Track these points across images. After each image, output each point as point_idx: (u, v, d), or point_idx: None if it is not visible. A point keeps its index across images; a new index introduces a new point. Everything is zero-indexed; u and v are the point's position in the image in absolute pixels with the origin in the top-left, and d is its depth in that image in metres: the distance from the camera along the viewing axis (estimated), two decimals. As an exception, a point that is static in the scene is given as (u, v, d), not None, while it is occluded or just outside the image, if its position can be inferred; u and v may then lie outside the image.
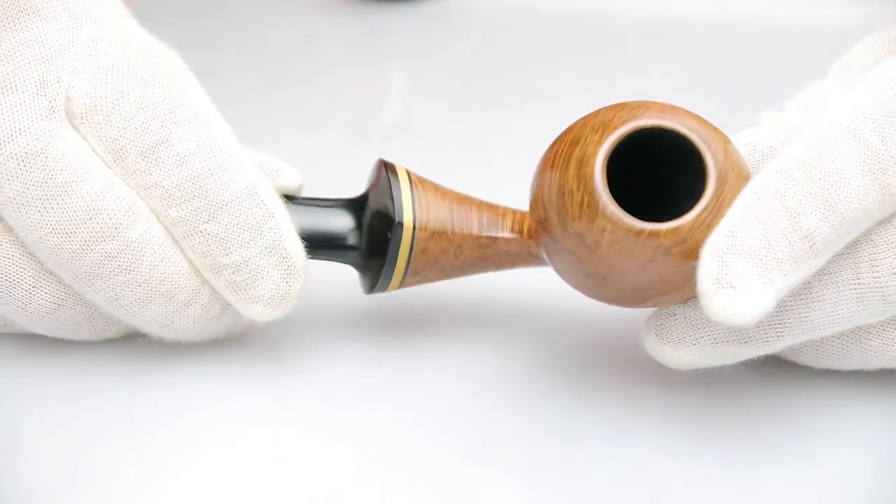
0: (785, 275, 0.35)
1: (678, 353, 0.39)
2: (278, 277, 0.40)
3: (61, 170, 0.39)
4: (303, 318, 0.43)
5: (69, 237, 0.39)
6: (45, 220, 0.39)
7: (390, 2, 0.72)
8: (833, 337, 0.39)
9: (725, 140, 0.38)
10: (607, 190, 0.37)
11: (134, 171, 0.40)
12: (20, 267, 0.40)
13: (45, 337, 0.43)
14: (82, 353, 0.43)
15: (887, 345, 0.39)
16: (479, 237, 0.41)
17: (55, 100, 0.40)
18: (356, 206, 0.42)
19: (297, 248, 0.41)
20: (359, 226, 0.42)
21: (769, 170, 0.36)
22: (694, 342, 0.38)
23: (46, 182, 0.39)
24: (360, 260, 0.42)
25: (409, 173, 0.42)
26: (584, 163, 0.37)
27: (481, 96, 0.62)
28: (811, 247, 0.36)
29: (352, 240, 0.42)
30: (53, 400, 0.42)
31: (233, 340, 0.44)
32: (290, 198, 0.42)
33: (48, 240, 0.39)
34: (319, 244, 0.42)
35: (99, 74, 0.40)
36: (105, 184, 0.39)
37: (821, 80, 0.42)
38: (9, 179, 0.39)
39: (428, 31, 0.69)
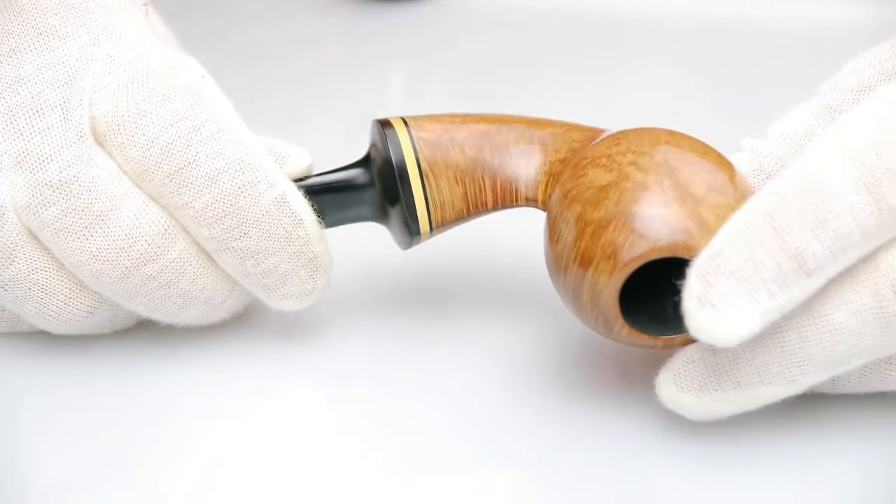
0: (772, 295, 0.35)
1: (701, 401, 0.37)
2: (305, 276, 0.41)
3: (96, 198, 0.39)
4: (319, 303, 0.44)
5: (111, 264, 0.39)
6: (85, 246, 0.39)
7: (390, 2, 0.72)
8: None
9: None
10: (621, 317, 0.37)
11: (162, 192, 0.40)
12: (56, 279, 0.40)
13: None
14: (88, 342, 0.43)
15: None
16: (493, 211, 0.42)
17: (81, 123, 0.39)
18: (363, 161, 0.43)
19: (324, 244, 0.41)
20: (368, 170, 0.42)
21: (762, 193, 0.36)
22: (716, 388, 0.37)
23: (83, 210, 0.39)
24: (378, 209, 0.42)
25: (416, 157, 0.41)
26: (597, 294, 0.37)
27: (481, 96, 0.62)
28: (801, 266, 0.35)
29: (363, 179, 0.42)
30: (56, 392, 0.42)
31: (248, 326, 0.44)
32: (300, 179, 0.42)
33: (89, 265, 0.39)
34: (333, 189, 0.42)
35: (119, 92, 0.40)
36: (140, 208, 0.40)
37: (805, 102, 0.42)
38: (45, 205, 0.39)
39: (428, 31, 0.70)
